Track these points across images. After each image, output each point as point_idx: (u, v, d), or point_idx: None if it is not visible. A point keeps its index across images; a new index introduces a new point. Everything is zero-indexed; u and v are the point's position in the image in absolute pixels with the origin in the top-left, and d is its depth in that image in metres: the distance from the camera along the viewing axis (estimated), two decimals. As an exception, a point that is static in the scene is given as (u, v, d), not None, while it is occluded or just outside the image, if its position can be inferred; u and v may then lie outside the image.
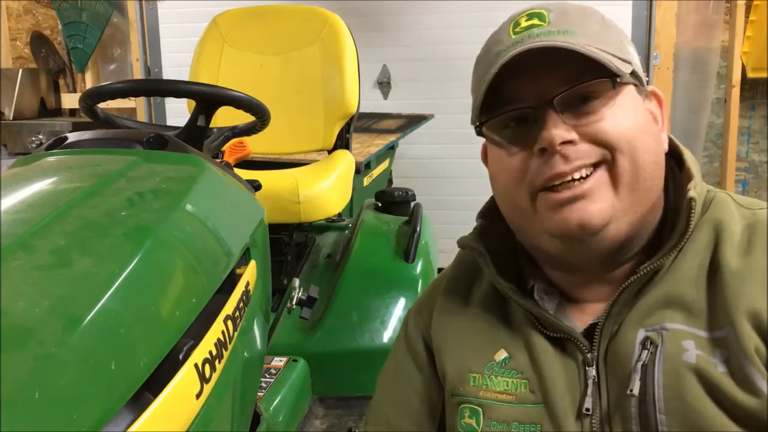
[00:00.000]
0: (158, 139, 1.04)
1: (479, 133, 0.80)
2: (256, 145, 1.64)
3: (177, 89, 1.27)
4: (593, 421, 0.74)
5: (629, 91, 0.76)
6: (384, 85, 3.79)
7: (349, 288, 1.86)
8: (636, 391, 0.70)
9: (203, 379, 0.78)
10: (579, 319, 0.79)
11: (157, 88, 1.50)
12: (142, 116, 4.03)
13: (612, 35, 0.76)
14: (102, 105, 1.30)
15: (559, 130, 0.71)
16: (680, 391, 0.69)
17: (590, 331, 0.77)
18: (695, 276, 0.73)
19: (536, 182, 0.74)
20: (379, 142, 2.88)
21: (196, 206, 0.93)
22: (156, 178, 0.95)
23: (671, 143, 0.81)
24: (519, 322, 0.81)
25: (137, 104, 4.05)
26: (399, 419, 0.89)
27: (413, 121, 3.29)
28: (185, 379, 0.75)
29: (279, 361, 1.73)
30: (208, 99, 1.24)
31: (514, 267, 0.85)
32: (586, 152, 0.72)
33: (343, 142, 2.19)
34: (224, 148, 1.47)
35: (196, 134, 1.24)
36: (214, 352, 0.83)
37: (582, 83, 0.72)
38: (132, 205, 0.87)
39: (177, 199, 0.91)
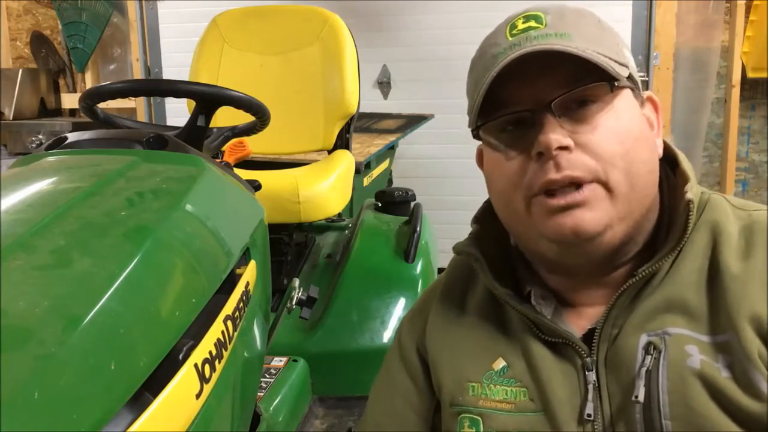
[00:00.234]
0: (158, 139, 1.04)
1: (476, 136, 0.79)
2: (256, 145, 1.64)
3: (177, 89, 1.27)
4: (595, 426, 0.73)
5: (626, 96, 0.76)
6: (384, 85, 3.79)
7: (349, 288, 1.86)
8: (641, 397, 0.70)
9: (203, 379, 0.78)
10: (576, 324, 0.79)
11: (157, 88, 1.50)
12: (142, 116, 4.03)
13: (608, 38, 0.76)
14: (102, 105, 1.30)
15: (556, 135, 0.71)
16: (685, 396, 0.69)
17: (588, 336, 0.76)
18: (695, 280, 0.73)
19: (532, 187, 0.73)
20: (379, 142, 2.88)
21: (196, 206, 0.93)
22: (156, 178, 0.95)
23: (665, 146, 0.81)
24: (516, 329, 0.81)
25: (137, 104, 4.05)
26: (392, 429, 0.89)
27: (413, 121, 3.29)
28: (185, 379, 0.75)
29: (279, 361, 1.73)
30: (208, 99, 1.24)
31: (510, 272, 0.85)
32: (579, 163, 0.71)
33: (343, 142, 2.19)
34: (224, 148, 1.47)
35: (196, 134, 1.24)
36: (214, 352, 0.83)
37: (580, 87, 0.72)
38: (132, 205, 0.87)
39: (177, 199, 0.91)
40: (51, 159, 1.00)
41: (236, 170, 1.36)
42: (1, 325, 0.59)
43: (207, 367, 0.80)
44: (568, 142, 0.71)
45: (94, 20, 4.08)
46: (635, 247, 0.77)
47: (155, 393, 0.70)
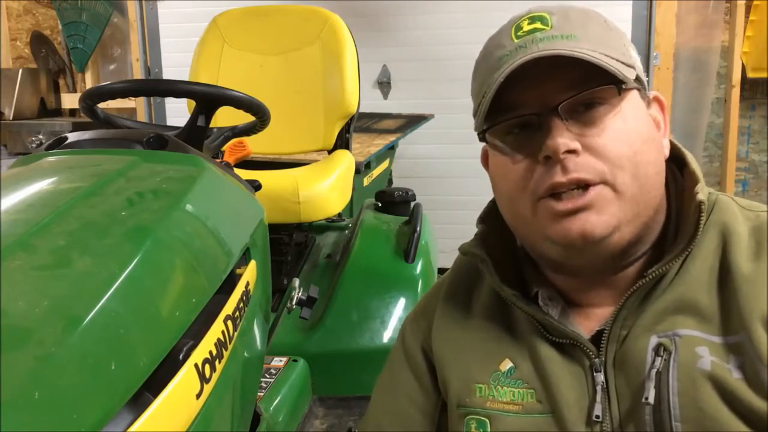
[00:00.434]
0: (158, 139, 1.04)
1: (482, 139, 0.79)
2: (256, 145, 1.64)
3: (177, 89, 1.27)
4: (604, 428, 0.73)
5: (633, 97, 0.75)
6: (384, 85, 3.79)
7: (349, 288, 1.86)
8: (651, 399, 0.69)
9: (203, 379, 0.78)
10: (584, 325, 0.78)
11: (157, 88, 1.50)
12: (142, 116, 4.03)
13: (615, 39, 0.75)
14: (102, 105, 1.30)
15: (563, 138, 0.70)
16: (696, 398, 0.68)
17: (597, 337, 0.76)
18: (706, 280, 0.72)
19: (538, 190, 0.73)
20: (379, 142, 2.88)
21: (196, 206, 0.93)
22: (156, 178, 0.95)
23: (672, 146, 0.81)
24: (523, 330, 0.80)
25: (137, 104, 4.05)
26: (395, 429, 0.89)
27: (413, 121, 3.29)
28: (185, 379, 0.75)
29: (279, 361, 1.73)
30: (208, 99, 1.24)
31: (516, 273, 0.84)
32: (586, 165, 0.71)
33: (343, 142, 2.19)
34: (224, 148, 1.47)
35: (196, 134, 1.24)
36: (214, 352, 0.83)
37: (587, 90, 0.71)
38: (132, 205, 0.87)
39: (177, 199, 0.91)
40: (51, 159, 1.00)
41: (236, 170, 1.36)
42: (1, 325, 0.59)
43: (207, 367, 0.80)
44: (575, 145, 0.71)
45: (94, 20, 4.08)
46: (643, 247, 0.76)
47: (155, 393, 0.70)
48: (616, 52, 0.73)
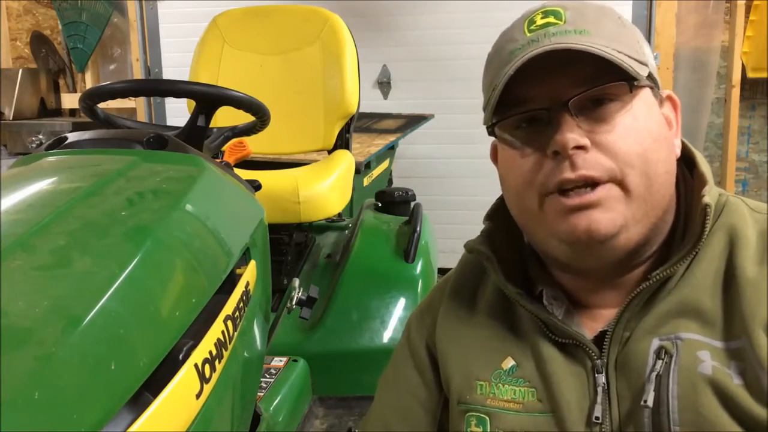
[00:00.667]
0: (158, 139, 1.04)
1: (491, 133, 0.78)
2: (256, 145, 1.64)
3: (177, 89, 1.27)
4: (603, 429, 0.73)
5: (645, 95, 0.74)
6: (384, 85, 3.79)
7: (349, 288, 1.86)
8: (650, 402, 0.69)
9: (203, 379, 0.78)
10: (587, 326, 0.78)
11: (157, 88, 1.50)
12: (142, 116, 4.03)
13: (628, 35, 0.74)
14: (102, 105, 1.30)
15: (573, 134, 0.69)
16: (695, 403, 0.68)
17: (599, 338, 0.75)
18: (710, 284, 0.72)
19: (547, 185, 0.72)
20: (379, 142, 2.88)
21: (196, 206, 0.93)
22: (156, 178, 0.95)
23: (683, 146, 0.80)
24: (526, 329, 0.80)
25: (137, 104, 4.05)
26: (398, 424, 0.89)
27: (413, 121, 3.29)
28: (185, 379, 0.75)
29: (279, 361, 1.73)
30: (208, 99, 1.24)
31: (521, 271, 0.84)
32: (595, 162, 0.70)
33: (343, 142, 2.19)
34: (224, 148, 1.47)
35: (196, 134, 1.24)
36: (214, 352, 0.83)
37: (598, 86, 0.70)
38: (132, 205, 0.87)
39: (177, 199, 0.91)
40: (51, 159, 1.00)
41: (236, 170, 1.36)
42: (1, 325, 0.59)
43: (207, 367, 0.80)
44: (584, 141, 0.70)
45: (94, 20, 4.08)
46: (651, 248, 0.75)
47: (155, 393, 0.70)
48: (629, 49, 0.72)
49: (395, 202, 2.22)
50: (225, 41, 2.23)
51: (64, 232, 0.76)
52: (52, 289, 0.67)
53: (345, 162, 2.06)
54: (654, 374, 0.70)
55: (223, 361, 0.85)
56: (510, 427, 0.77)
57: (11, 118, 3.85)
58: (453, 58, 3.60)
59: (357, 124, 2.30)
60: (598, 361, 0.74)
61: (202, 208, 0.95)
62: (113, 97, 1.26)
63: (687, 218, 0.76)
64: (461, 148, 3.61)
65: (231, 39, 2.23)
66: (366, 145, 2.81)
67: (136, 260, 0.74)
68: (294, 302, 1.40)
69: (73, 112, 4.26)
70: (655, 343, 0.71)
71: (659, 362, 0.70)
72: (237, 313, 0.94)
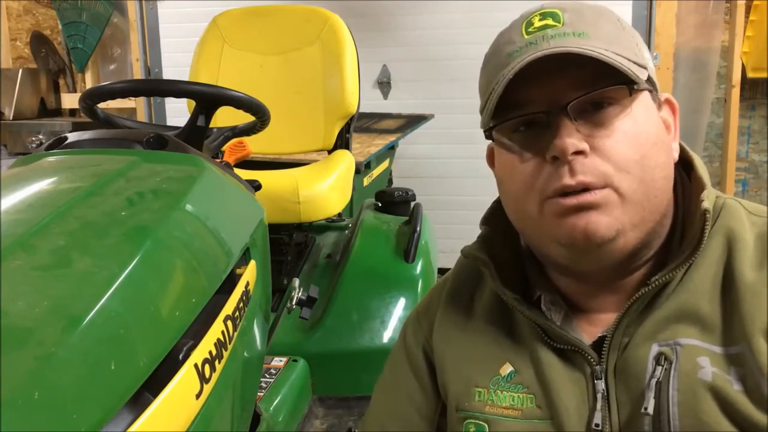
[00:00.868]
0: (158, 139, 1.04)
1: (488, 136, 0.77)
2: (256, 145, 1.64)
3: (177, 89, 1.27)
4: None
5: (644, 98, 0.73)
6: (384, 85, 3.79)
7: (349, 288, 1.86)
8: (650, 409, 0.68)
9: (203, 379, 0.78)
10: (586, 331, 0.77)
11: (157, 88, 1.50)
12: (142, 116, 4.03)
13: (627, 38, 0.74)
14: (102, 105, 1.30)
15: (572, 139, 0.69)
16: (696, 409, 0.67)
17: (598, 344, 0.75)
18: (709, 289, 0.71)
19: (546, 190, 0.71)
20: (379, 142, 2.88)
21: (196, 206, 0.93)
22: (156, 178, 0.95)
23: (681, 149, 0.79)
24: (524, 334, 0.79)
25: (137, 104, 4.05)
26: (395, 429, 0.88)
27: (413, 121, 3.29)
28: (185, 379, 0.75)
29: (279, 361, 1.73)
30: (208, 99, 1.24)
31: (519, 276, 0.83)
32: (593, 168, 0.69)
33: (343, 142, 2.19)
34: (224, 148, 1.47)
35: (196, 134, 1.24)
36: (214, 353, 0.83)
37: (597, 90, 0.70)
38: (132, 205, 0.87)
39: (177, 199, 0.91)
40: (51, 159, 1.00)
41: (236, 170, 1.36)
42: (1, 325, 0.59)
43: (207, 367, 0.80)
44: (583, 146, 0.69)
45: (94, 20, 4.08)
46: (649, 252, 0.75)
47: (155, 393, 0.70)
48: (628, 52, 0.72)
49: (395, 202, 2.22)
50: (225, 41, 2.23)
51: (64, 232, 0.76)
52: (52, 289, 0.67)
53: (345, 162, 2.06)
54: (654, 381, 0.69)
55: (223, 361, 0.85)
56: None
57: (11, 118, 3.85)
58: (453, 58, 3.60)
59: (357, 124, 2.30)
60: (598, 367, 0.73)
61: (202, 208, 0.95)
62: (113, 97, 1.26)
63: (685, 222, 0.76)
64: (461, 148, 3.61)
65: (231, 39, 2.23)
66: (366, 145, 2.81)
67: (136, 260, 0.74)
68: (294, 302, 1.40)
69: (73, 112, 4.27)
70: (655, 349, 0.71)
71: (659, 368, 0.69)
72: (237, 313, 0.94)
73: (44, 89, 4.09)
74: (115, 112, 1.83)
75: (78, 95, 3.24)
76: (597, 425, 0.72)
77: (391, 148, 3.13)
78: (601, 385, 0.73)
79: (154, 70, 4.02)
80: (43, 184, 0.90)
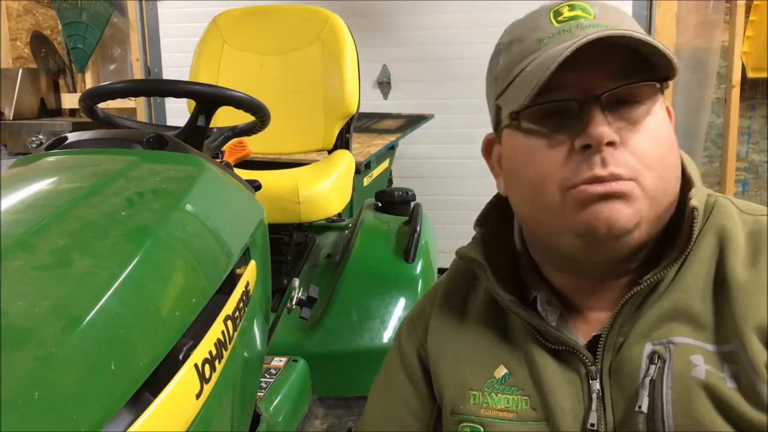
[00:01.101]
0: (158, 139, 1.04)
1: (513, 120, 0.74)
2: (256, 145, 1.64)
3: (177, 89, 1.28)
4: None
5: (661, 100, 0.74)
6: (384, 85, 3.79)
7: (349, 288, 1.86)
8: (645, 407, 0.68)
9: (203, 379, 0.78)
10: (581, 330, 0.77)
11: (157, 88, 1.50)
12: (142, 116, 4.03)
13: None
14: (102, 105, 1.30)
15: (606, 129, 0.68)
16: (690, 408, 0.68)
17: (593, 343, 0.75)
18: (701, 287, 0.71)
19: (571, 179, 0.70)
20: (379, 142, 2.88)
21: (196, 206, 0.93)
22: (156, 178, 0.95)
23: None
24: (518, 336, 0.79)
25: (137, 104, 4.05)
26: None
27: (413, 121, 3.29)
28: (185, 379, 0.75)
29: (279, 361, 1.73)
30: (208, 99, 1.24)
31: (513, 278, 0.82)
32: (623, 161, 0.69)
33: (343, 142, 2.19)
34: (224, 148, 1.47)
35: (196, 134, 1.24)
36: (214, 353, 0.83)
37: (632, 83, 0.70)
38: (132, 205, 0.87)
39: (177, 199, 0.91)
40: (51, 159, 1.00)
41: (236, 170, 1.36)
42: (1, 325, 0.59)
43: (207, 367, 0.80)
44: (616, 137, 0.69)
45: (94, 20, 4.08)
46: (645, 251, 0.75)
47: (155, 393, 0.70)
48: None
49: (395, 202, 2.22)
50: (225, 41, 2.23)
51: (64, 232, 0.76)
52: (52, 289, 0.67)
53: (345, 162, 2.06)
54: (648, 379, 0.69)
55: (223, 361, 0.85)
56: None
57: (11, 118, 3.85)
58: (453, 58, 3.60)
59: (357, 124, 2.30)
60: (593, 368, 0.74)
61: (202, 208, 0.95)
62: (113, 97, 1.26)
63: (677, 221, 0.76)
64: (461, 148, 3.61)
65: (231, 39, 2.23)
66: (366, 145, 2.81)
67: (136, 260, 0.74)
68: (294, 302, 1.40)
69: (73, 112, 4.26)
70: (648, 347, 0.71)
71: (653, 367, 0.70)
72: (237, 313, 0.94)
73: (44, 89, 4.08)
74: (115, 112, 1.83)
75: (78, 95, 3.24)
76: (592, 425, 0.72)
77: (391, 148, 3.13)
78: (596, 385, 0.73)
79: (154, 70, 4.02)
80: (43, 184, 0.90)
